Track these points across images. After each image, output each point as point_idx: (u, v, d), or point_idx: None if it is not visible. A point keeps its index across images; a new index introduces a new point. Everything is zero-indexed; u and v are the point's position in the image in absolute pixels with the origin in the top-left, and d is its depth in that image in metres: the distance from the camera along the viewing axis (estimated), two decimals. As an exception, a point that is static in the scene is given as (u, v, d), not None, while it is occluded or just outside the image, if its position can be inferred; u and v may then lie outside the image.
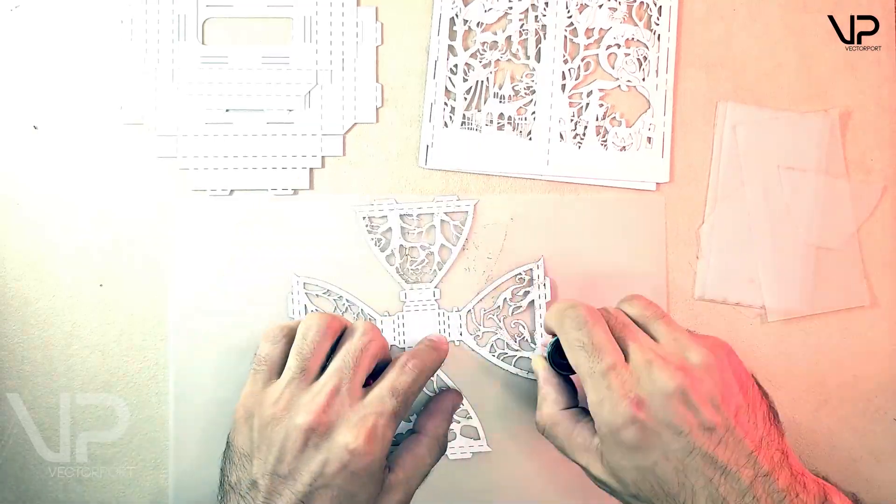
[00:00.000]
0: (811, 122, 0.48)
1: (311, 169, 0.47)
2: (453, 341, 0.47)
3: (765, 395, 0.39)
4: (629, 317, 0.41)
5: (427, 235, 0.47)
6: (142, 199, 0.47)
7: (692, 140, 0.48)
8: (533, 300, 0.47)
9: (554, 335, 0.41)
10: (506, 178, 0.48)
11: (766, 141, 0.48)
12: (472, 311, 0.47)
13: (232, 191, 0.47)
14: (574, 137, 0.48)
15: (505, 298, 0.47)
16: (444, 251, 0.47)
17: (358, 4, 0.47)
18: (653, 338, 0.39)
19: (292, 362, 0.41)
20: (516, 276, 0.47)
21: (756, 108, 0.48)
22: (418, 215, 0.47)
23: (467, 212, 0.47)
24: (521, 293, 0.47)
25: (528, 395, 0.47)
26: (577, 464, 0.40)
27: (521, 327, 0.47)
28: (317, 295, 0.47)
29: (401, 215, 0.47)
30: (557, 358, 0.41)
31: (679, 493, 0.36)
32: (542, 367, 0.43)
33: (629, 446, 0.36)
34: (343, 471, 0.38)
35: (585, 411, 0.39)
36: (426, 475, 0.42)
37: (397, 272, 0.47)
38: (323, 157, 0.47)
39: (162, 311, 0.46)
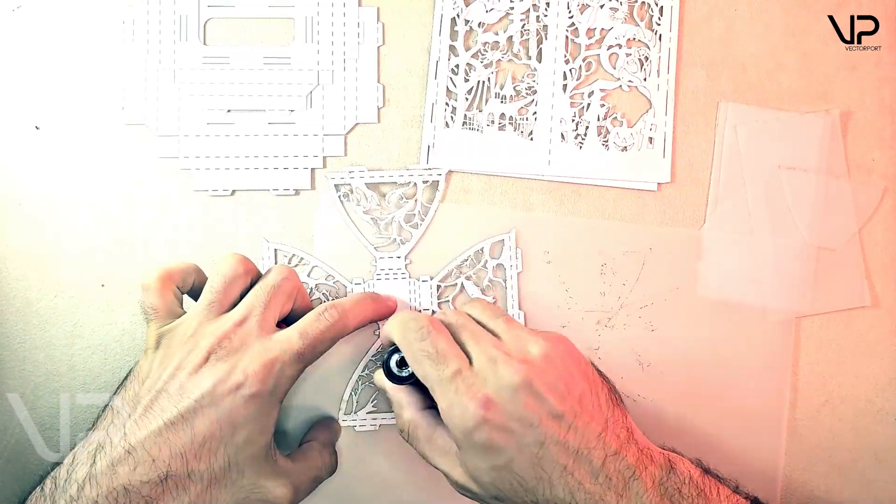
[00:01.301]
0: (812, 123, 0.48)
1: (312, 169, 0.47)
2: (429, 310, 0.47)
3: (605, 379, 0.40)
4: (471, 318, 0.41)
5: (397, 205, 0.47)
6: (143, 200, 0.47)
7: (693, 140, 0.48)
8: (505, 267, 0.47)
9: (392, 346, 0.41)
10: (507, 179, 0.48)
11: (767, 141, 0.48)
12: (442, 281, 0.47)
13: (233, 191, 0.47)
14: (575, 138, 0.48)
15: (466, 260, 0.47)
16: (415, 220, 0.47)
17: (359, 5, 0.48)
18: (494, 335, 0.40)
19: (204, 297, 0.40)
20: (480, 249, 0.47)
21: (757, 108, 0.48)
22: (390, 184, 0.47)
23: (438, 181, 0.47)
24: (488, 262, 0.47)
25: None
26: (438, 469, 0.40)
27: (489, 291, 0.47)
28: (288, 261, 0.47)
29: (367, 184, 0.47)
30: (393, 369, 0.41)
31: (537, 485, 0.36)
32: (383, 380, 0.42)
33: (483, 447, 0.36)
34: (233, 393, 0.37)
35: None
36: (317, 482, 0.42)
37: (367, 240, 0.47)
38: (324, 157, 0.47)
39: (163, 312, 0.46)
